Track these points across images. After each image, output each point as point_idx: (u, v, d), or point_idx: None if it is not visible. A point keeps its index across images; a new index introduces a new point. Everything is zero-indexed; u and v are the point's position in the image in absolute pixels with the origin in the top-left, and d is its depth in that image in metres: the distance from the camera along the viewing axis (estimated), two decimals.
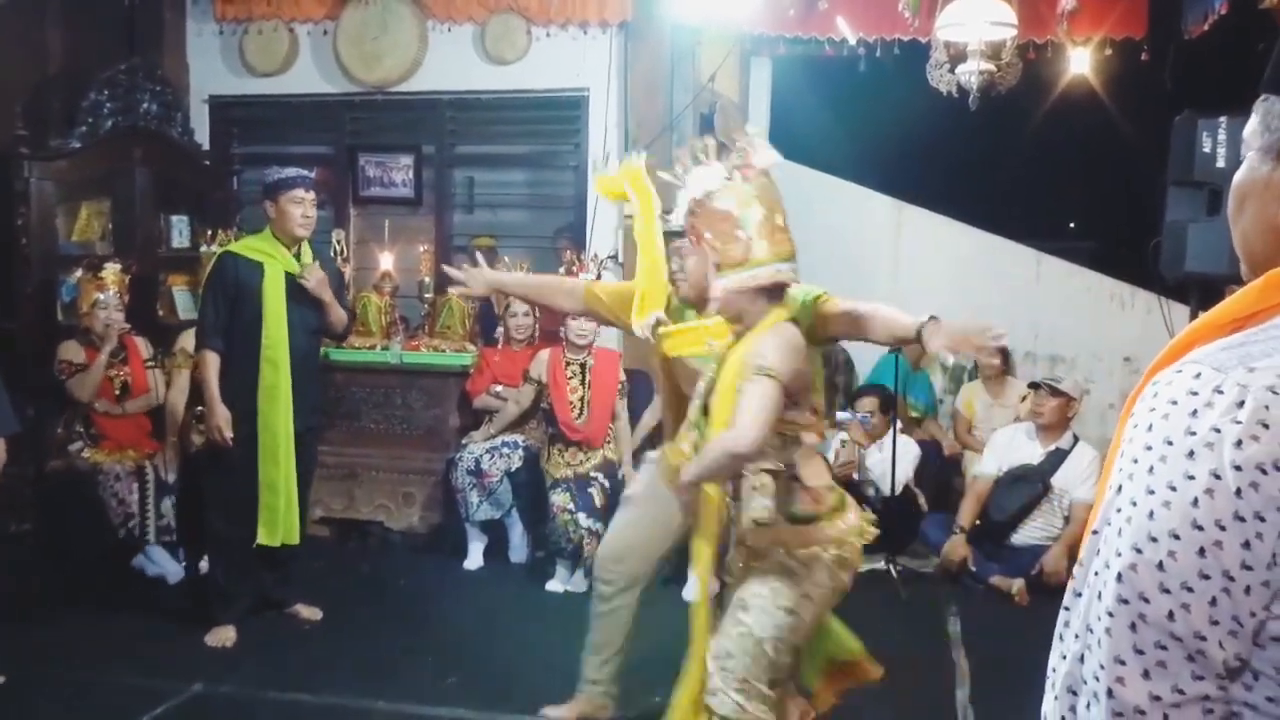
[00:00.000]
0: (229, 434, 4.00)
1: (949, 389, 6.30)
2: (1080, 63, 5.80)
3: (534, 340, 5.36)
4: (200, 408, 4.40)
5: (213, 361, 4.02)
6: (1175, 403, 0.90)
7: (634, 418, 5.18)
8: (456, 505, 5.11)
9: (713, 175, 2.48)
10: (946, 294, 6.58)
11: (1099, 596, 0.91)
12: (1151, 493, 0.89)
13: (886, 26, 5.63)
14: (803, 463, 2.52)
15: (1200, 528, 0.86)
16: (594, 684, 3.29)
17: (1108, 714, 0.88)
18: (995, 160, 10.27)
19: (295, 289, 4.08)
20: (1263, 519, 0.84)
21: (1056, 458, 4.99)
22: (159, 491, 4.71)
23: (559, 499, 4.73)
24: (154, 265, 5.54)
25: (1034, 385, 5.25)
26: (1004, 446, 5.15)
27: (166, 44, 6.12)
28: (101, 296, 4.72)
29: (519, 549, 5.18)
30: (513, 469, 5.05)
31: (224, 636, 4.08)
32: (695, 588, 2.65)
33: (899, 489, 5.13)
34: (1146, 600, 0.87)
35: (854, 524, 2.57)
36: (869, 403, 5.41)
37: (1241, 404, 0.86)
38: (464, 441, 5.24)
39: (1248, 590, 0.85)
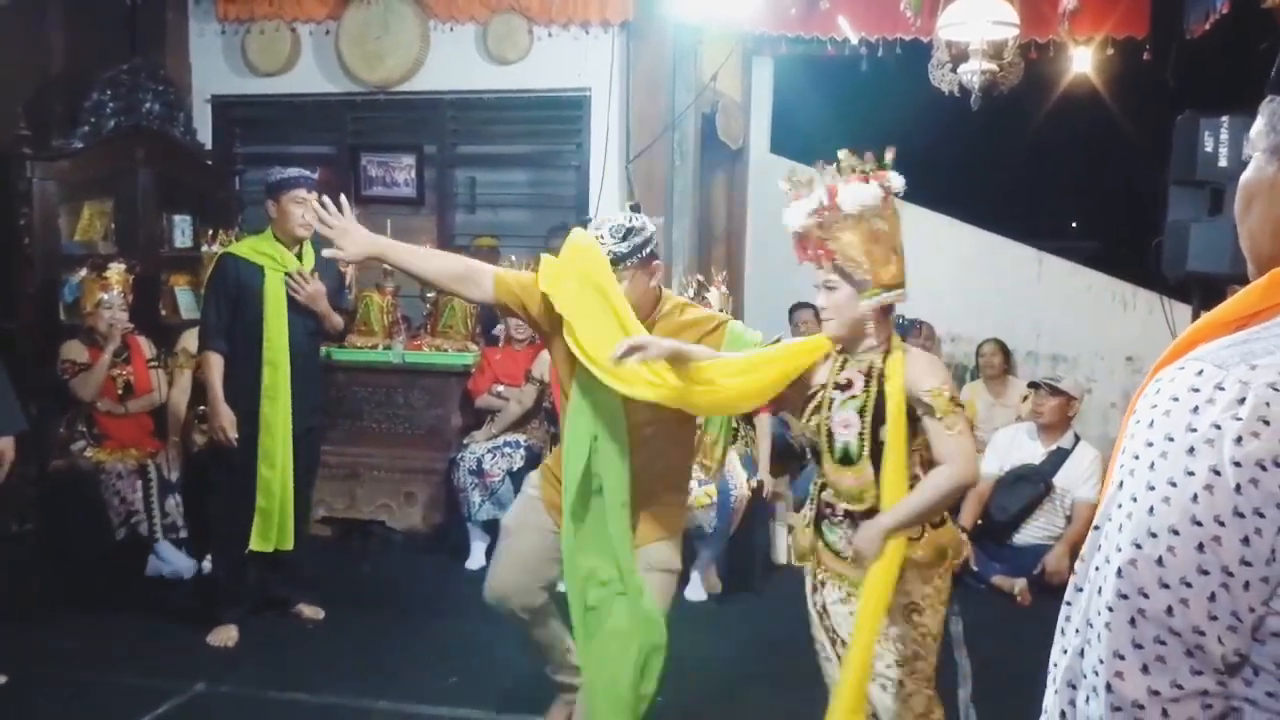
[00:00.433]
0: (233, 434, 4.01)
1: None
2: (1082, 62, 5.81)
3: (536, 339, 5.36)
4: (202, 407, 4.41)
5: (216, 363, 4.03)
6: (1177, 399, 0.90)
7: None
8: (458, 505, 5.12)
9: (870, 193, 2.40)
10: (949, 294, 6.59)
11: (1099, 591, 0.91)
12: (1152, 489, 0.89)
13: (888, 26, 5.64)
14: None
15: (1200, 523, 0.86)
16: (562, 688, 3.23)
17: (1107, 708, 0.88)
18: (997, 160, 10.27)
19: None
20: (1262, 515, 0.85)
21: (1058, 457, 4.99)
22: (162, 490, 4.71)
23: None
24: (156, 265, 5.54)
25: (1034, 384, 5.25)
26: (1005, 446, 5.15)
27: (169, 44, 6.13)
28: (106, 296, 4.72)
29: None
30: (515, 469, 5.05)
31: (226, 636, 4.09)
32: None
33: None
34: (1146, 595, 0.88)
35: None
36: None
37: (1242, 401, 0.87)
38: (466, 441, 5.24)
39: (1247, 586, 0.85)
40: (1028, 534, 4.97)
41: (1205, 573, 0.86)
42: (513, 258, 5.49)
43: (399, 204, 6.16)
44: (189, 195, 5.84)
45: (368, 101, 6.12)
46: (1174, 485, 0.88)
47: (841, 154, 2.45)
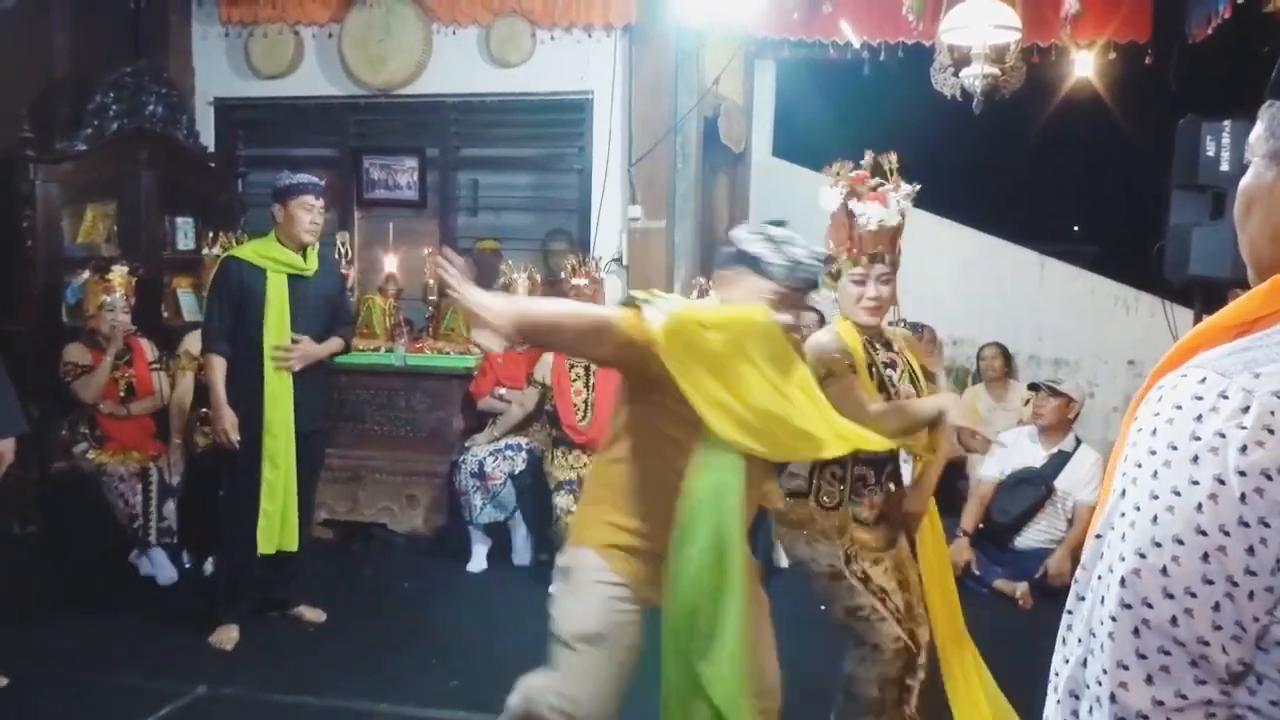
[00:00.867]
0: (236, 437, 4.01)
1: (952, 392, 6.29)
2: (1084, 66, 5.80)
3: None
4: (205, 409, 4.41)
5: (219, 365, 4.04)
6: (1180, 407, 0.90)
7: None
8: (460, 508, 5.11)
9: (904, 197, 2.84)
10: (951, 297, 6.59)
11: (1102, 601, 0.91)
12: (1155, 497, 0.89)
13: (890, 30, 5.63)
14: None
15: (1204, 533, 0.86)
16: None
17: (1110, 719, 0.88)
18: (999, 163, 10.26)
19: (298, 294, 4.09)
20: (1267, 524, 0.85)
21: (1059, 460, 4.98)
22: (161, 494, 4.71)
23: (563, 501, 4.73)
24: (159, 267, 5.55)
25: (1034, 387, 5.26)
26: (1006, 450, 5.14)
27: (172, 47, 6.14)
28: (108, 299, 4.73)
29: (522, 552, 5.18)
30: (516, 471, 5.05)
31: (227, 636, 4.08)
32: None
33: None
34: (1150, 605, 0.87)
35: None
36: None
37: (1247, 409, 0.86)
38: (468, 444, 5.24)
39: (1251, 595, 0.85)
40: (1029, 537, 4.96)
41: (1210, 582, 0.86)
42: (510, 261, 5.50)
43: (401, 207, 6.17)
44: (192, 198, 5.84)
45: (370, 104, 6.13)
46: (1178, 494, 0.87)
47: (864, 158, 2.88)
